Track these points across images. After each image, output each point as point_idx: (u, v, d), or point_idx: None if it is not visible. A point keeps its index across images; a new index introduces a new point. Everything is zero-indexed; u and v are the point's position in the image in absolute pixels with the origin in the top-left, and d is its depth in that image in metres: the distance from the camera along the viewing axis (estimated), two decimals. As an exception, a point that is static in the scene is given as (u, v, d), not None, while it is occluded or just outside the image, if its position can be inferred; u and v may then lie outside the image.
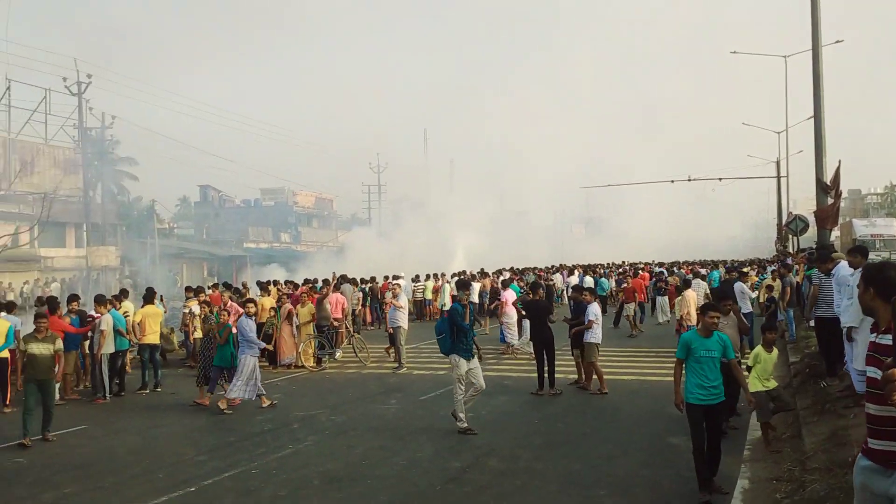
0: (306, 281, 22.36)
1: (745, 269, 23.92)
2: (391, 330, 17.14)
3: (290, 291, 19.89)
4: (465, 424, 10.08)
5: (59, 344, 10.86)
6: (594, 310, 13.42)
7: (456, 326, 10.20)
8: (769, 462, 8.40)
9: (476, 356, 10.49)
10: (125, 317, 14.54)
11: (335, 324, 18.21)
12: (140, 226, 54.87)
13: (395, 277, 25.31)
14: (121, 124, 51.20)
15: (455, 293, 17.33)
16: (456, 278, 29.02)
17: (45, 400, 10.36)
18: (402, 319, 16.71)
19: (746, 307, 16.42)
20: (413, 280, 27.97)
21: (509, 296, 18.31)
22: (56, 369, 10.83)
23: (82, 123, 41.99)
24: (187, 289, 19.35)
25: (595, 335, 13.14)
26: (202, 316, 16.25)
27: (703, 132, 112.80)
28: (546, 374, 13.00)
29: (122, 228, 50.85)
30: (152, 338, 14.67)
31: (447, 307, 26.05)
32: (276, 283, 21.78)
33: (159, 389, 14.53)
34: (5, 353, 12.61)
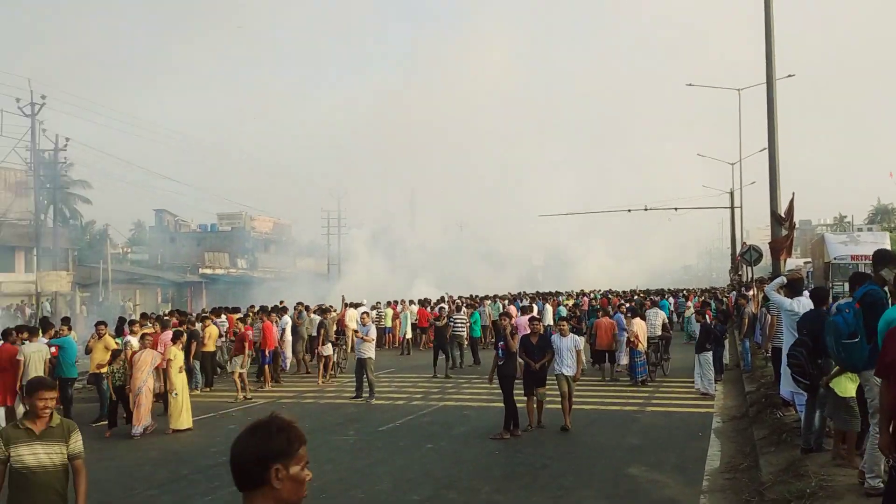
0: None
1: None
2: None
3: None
4: None
5: None
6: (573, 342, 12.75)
7: None
8: (728, 492, 8.43)
9: None
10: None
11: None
12: (93, 250, 53.57)
13: (355, 306, 24.90)
14: (75, 147, 50.23)
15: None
16: (413, 306, 28.96)
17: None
18: (371, 350, 16.09)
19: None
20: (373, 308, 27.62)
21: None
22: None
23: (35, 145, 40.96)
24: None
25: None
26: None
27: (660, 162, 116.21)
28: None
29: (73, 252, 49.54)
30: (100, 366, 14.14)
31: (409, 335, 25.96)
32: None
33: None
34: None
